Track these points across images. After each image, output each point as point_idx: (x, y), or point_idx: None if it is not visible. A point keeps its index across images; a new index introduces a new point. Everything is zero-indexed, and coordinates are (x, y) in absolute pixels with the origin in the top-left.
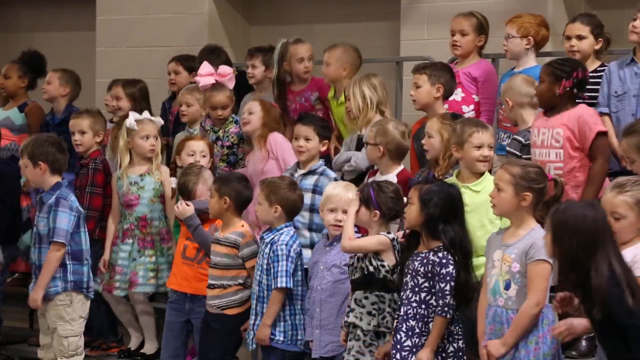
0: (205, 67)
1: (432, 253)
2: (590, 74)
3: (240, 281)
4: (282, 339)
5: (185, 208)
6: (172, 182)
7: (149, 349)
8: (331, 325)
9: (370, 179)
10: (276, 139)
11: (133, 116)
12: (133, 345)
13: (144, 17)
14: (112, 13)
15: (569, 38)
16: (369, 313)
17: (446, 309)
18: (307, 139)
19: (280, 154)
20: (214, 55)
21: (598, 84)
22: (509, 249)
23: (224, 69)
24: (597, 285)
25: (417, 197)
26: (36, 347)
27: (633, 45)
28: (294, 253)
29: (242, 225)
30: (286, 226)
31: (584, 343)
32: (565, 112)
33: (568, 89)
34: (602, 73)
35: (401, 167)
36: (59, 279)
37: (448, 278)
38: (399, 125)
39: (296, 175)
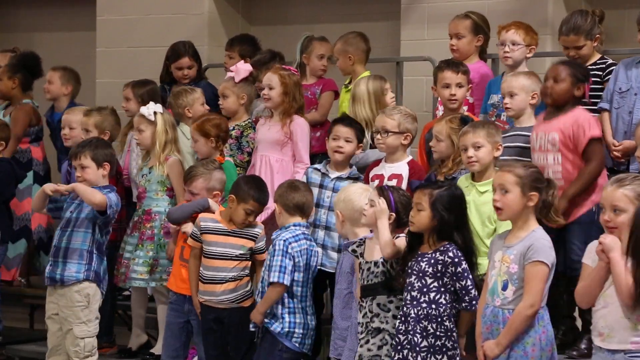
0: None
1: (438, 253)
2: (590, 67)
3: (247, 272)
4: (278, 329)
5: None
6: None
7: (158, 348)
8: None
9: (372, 172)
10: (302, 125)
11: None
12: (134, 345)
13: (144, 17)
14: (112, 13)
15: (567, 48)
16: (395, 317)
17: (474, 302)
18: (347, 141)
19: (299, 141)
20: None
21: (599, 76)
22: (509, 250)
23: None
24: None
25: (428, 203)
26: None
27: (633, 45)
28: (293, 251)
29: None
30: (294, 225)
31: (584, 343)
32: (562, 116)
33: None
34: (602, 66)
35: (410, 156)
36: (83, 265)
37: (466, 274)
38: (410, 111)
39: (331, 176)
